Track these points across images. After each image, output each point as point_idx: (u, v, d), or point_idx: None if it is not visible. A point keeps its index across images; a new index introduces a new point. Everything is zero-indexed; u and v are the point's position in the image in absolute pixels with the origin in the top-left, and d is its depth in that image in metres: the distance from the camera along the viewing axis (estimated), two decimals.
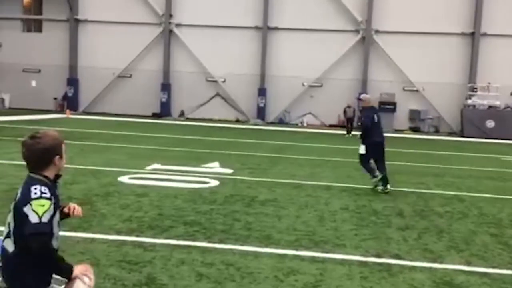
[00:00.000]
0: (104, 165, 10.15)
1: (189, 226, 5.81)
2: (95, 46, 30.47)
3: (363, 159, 8.81)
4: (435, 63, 28.10)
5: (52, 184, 2.59)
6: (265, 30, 29.37)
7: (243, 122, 29.11)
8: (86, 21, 30.77)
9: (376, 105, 8.26)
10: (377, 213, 6.97)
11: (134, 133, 18.64)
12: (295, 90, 29.26)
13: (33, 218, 2.42)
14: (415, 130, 28.26)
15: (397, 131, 27.32)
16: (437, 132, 28.22)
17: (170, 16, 30.13)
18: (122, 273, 4.24)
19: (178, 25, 30.25)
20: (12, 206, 2.54)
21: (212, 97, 30.55)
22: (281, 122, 29.66)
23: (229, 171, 10.06)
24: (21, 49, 30.93)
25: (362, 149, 8.75)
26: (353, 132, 23.33)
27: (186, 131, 20.81)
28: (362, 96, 9.45)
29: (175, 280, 4.15)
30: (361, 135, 8.90)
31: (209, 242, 5.24)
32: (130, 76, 30.83)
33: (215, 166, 10.55)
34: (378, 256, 5.06)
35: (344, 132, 23.40)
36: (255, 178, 9.43)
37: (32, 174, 2.58)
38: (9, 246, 2.52)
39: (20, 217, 2.46)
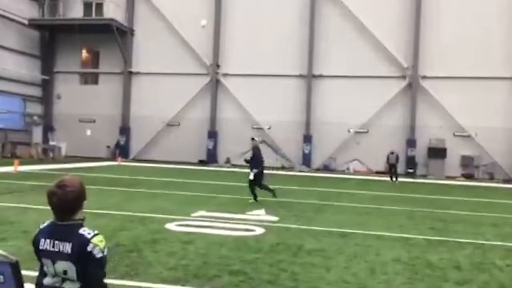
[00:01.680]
0: (152, 211, 10.29)
1: (234, 276, 5.70)
2: (147, 96, 31.87)
3: (258, 182, 12.42)
4: (487, 107, 27.22)
5: None
6: (309, 78, 29.71)
7: (288, 169, 29.00)
8: (138, 73, 32.39)
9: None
10: (432, 266, 6.59)
11: (181, 180, 18.94)
12: (340, 137, 29.04)
13: (98, 254, 2.47)
14: (468, 177, 27.07)
15: (448, 178, 26.30)
16: (492, 179, 26.90)
17: (218, 66, 31.20)
18: None
19: (225, 74, 31.23)
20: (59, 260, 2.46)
21: None
22: (326, 168, 29.32)
23: (275, 218, 9.93)
24: (78, 100, 32.81)
25: (251, 176, 12.29)
26: (399, 179, 22.59)
27: (231, 177, 20.92)
28: (256, 138, 14.60)
29: None
30: (250, 164, 12.58)
31: None
32: (178, 124, 31.78)
33: (260, 214, 10.45)
34: None
35: (388, 178, 22.78)
36: (301, 226, 9.24)
37: (64, 222, 2.52)
38: None
39: (84, 259, 2.43)
